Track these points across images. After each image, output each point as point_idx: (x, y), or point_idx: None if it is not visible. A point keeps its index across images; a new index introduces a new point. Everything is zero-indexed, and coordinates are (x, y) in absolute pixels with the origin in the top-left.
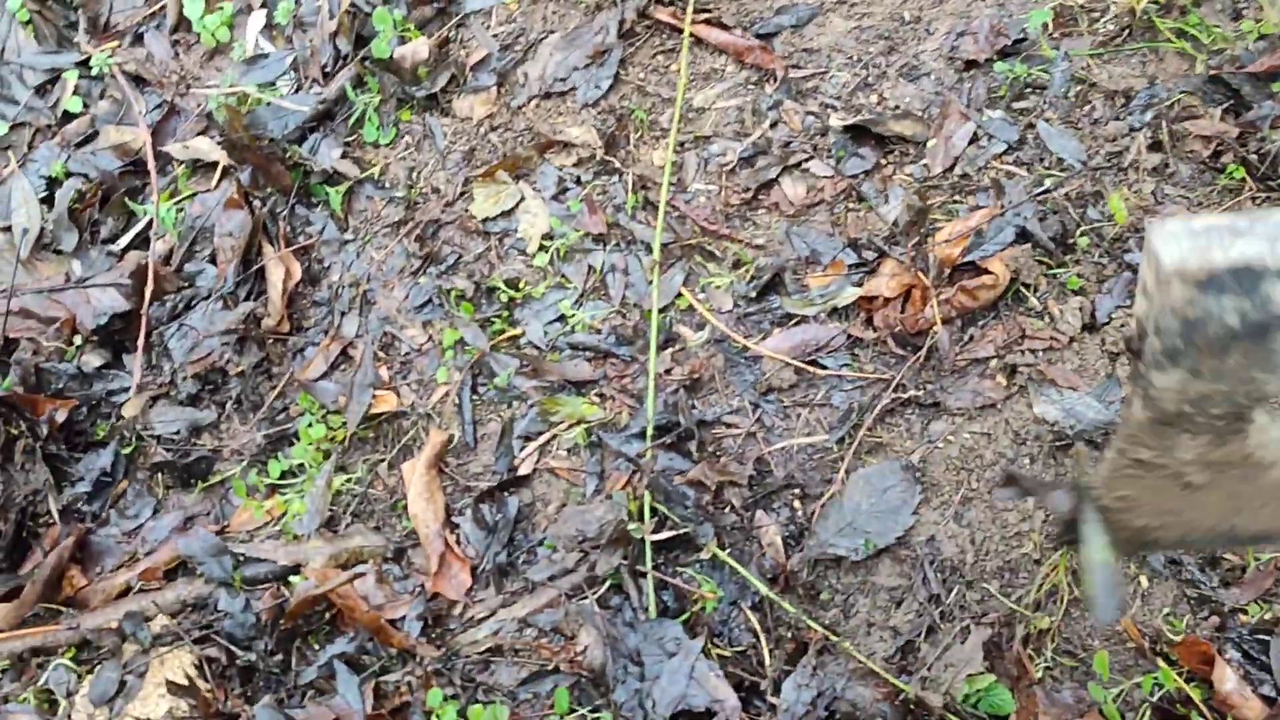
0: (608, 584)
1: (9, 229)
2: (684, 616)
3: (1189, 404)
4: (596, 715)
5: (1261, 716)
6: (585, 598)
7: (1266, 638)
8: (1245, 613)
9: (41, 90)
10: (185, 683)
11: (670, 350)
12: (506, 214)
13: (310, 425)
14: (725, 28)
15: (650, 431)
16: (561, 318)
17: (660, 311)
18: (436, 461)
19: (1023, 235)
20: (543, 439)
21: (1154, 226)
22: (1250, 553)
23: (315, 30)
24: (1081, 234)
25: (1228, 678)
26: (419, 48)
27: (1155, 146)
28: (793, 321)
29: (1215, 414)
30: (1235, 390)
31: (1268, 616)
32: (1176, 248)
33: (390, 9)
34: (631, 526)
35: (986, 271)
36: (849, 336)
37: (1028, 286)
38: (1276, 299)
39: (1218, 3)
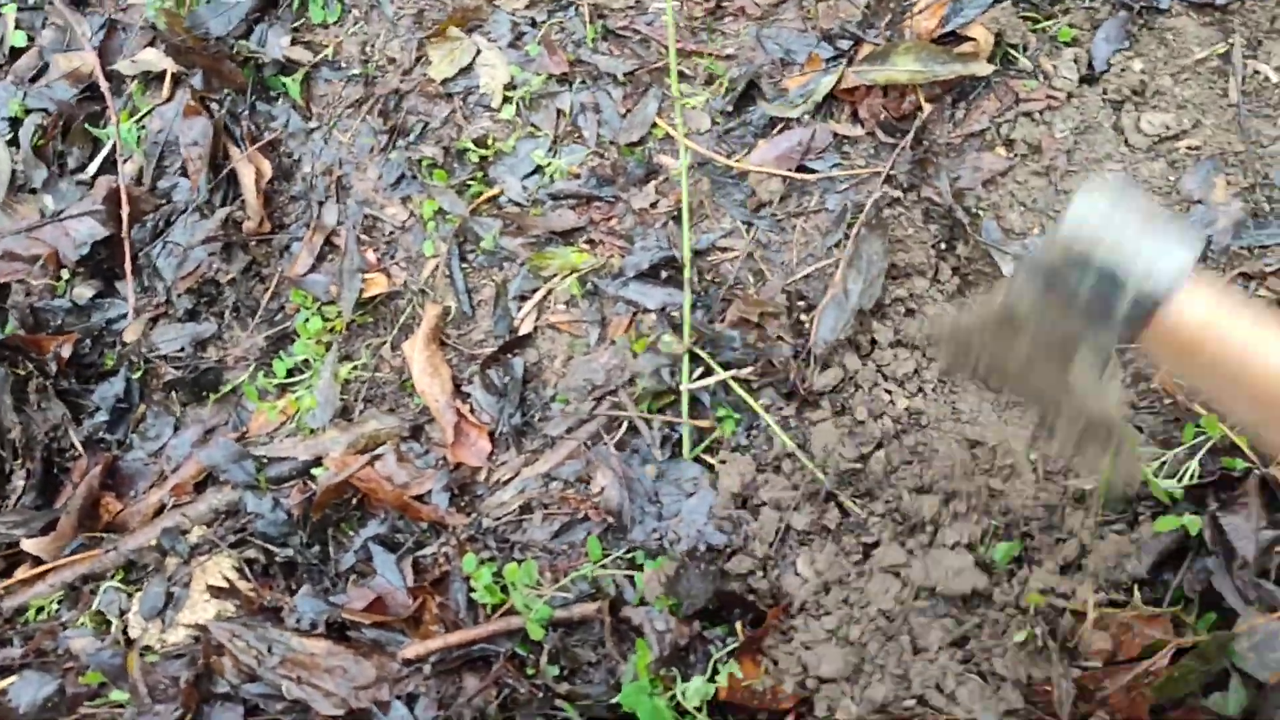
0: (625, 427)
1: None
2: (701, 448)
3: (1033, 315)
4: (630, 556)
5: None
6: (604, 444)
7: None
8: None
9: None
10: (227, 585)
11: (653, 182)
12: (465, 71)
13: (307, 320)
14: None
15: (687, 307)
16: (538, 169)
17: (636, 144)
18: (436, 335)
19: None
20: (538, 296)
21: (1087, 183)
22: None
23: None
24: None
25: None
26: None
27: None
28: (776, 130)
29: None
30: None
31: None
32: (1082, 213)
33: None
34: (676, 382)
35: (967, 39)
36: (835, 135)
37: (1015, 47)
38: (1118, 308)
39: None
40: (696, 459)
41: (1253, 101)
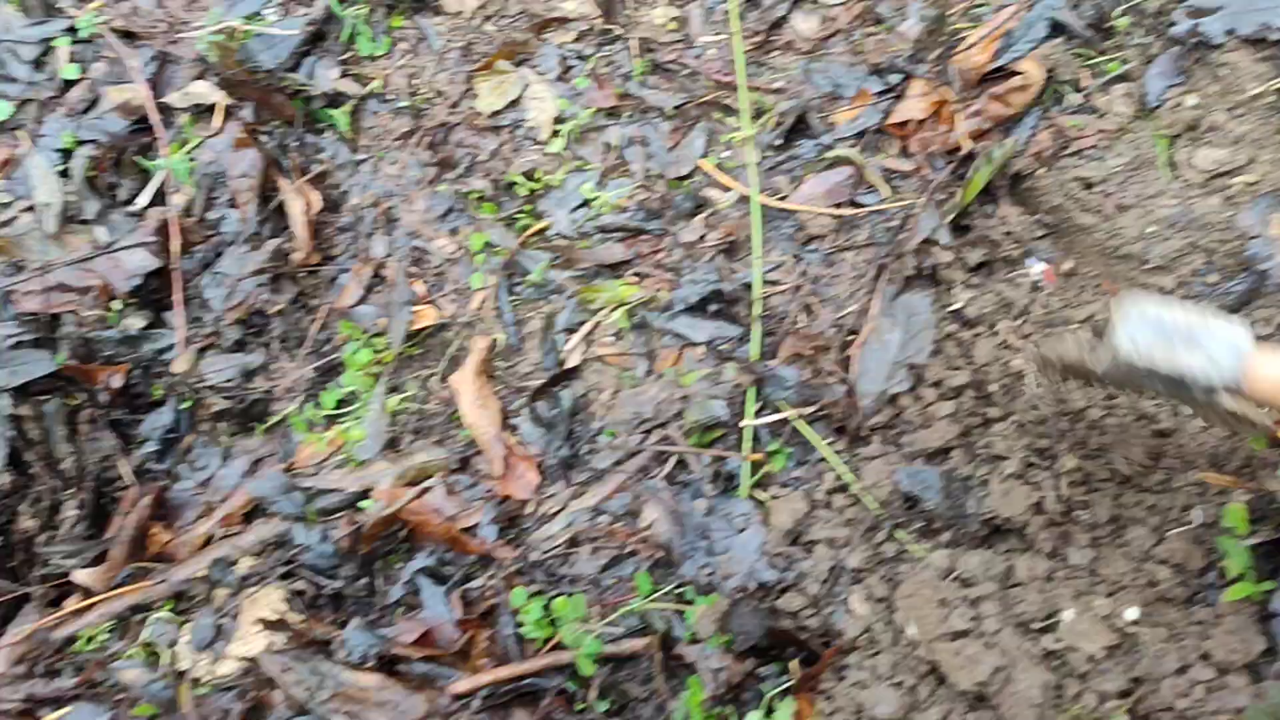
0: (674, 462)
1: (33, 208)
2: (752, 482)
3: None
4: (680, 592)
5: None
6: (653, 478)
7: None
8: None
9: (38, 64)
10: (277, 618)
11: (701, 216)
12: (513, 104)
13: (355, 352)
14: None
15: (757, 340)
16: (585, 202)
17: (685, 178)
18: (484, 368)
19: (1056, 28)
20: (586, 328)
21: (1119, 310)
22: None
23: None
24: (1120, 14)
25: None
26: None
27: None
28: (825, 164)
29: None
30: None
31: None
32: (1128, 341)
33: None
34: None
35: (1016, 73)
36: (885, 169)
37: (1066, 83)
38: (1196, 395)
39: None
40: (747, 495)
41: None
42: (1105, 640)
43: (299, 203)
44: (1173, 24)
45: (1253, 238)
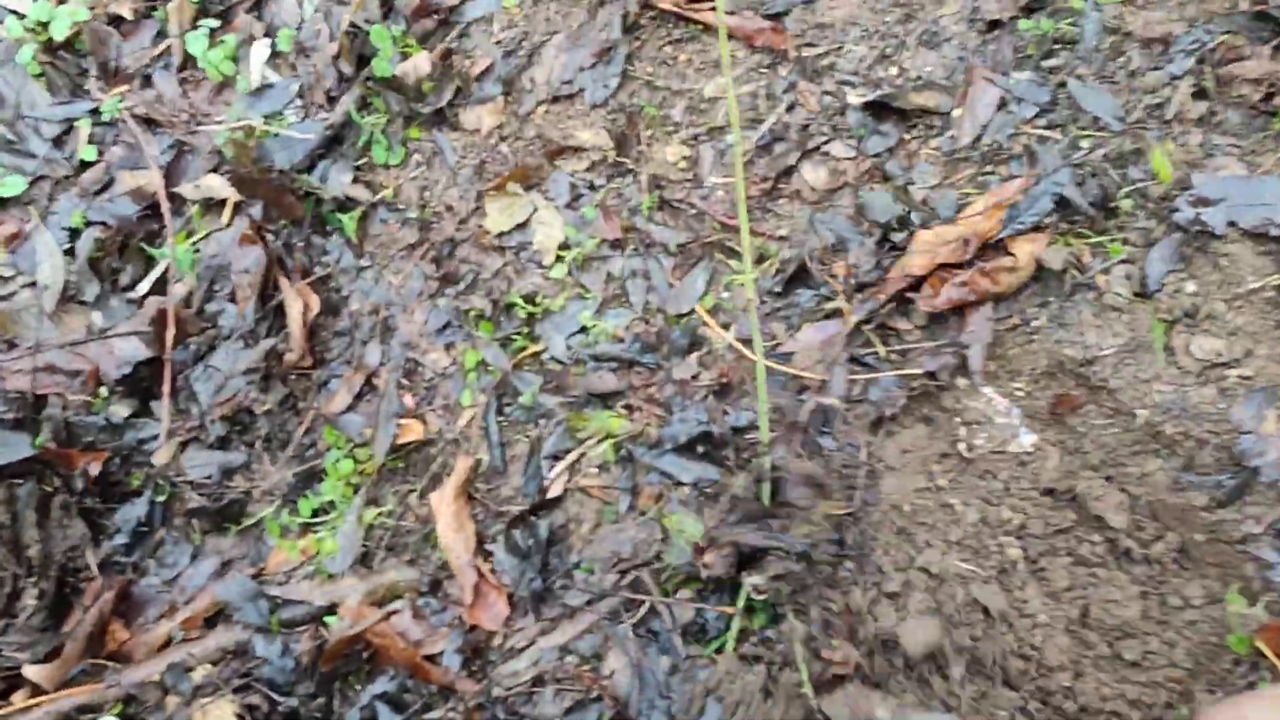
0: (646, 608)
1: (34, 284)
2: (719, 643)
3: None
4: None
5: None
6: (622, 623)
7: None
8: None
9: (58, 141)
10: None
11: (696, 354)
12: (521, 226)
13: (338, 461)
14: (733, 10)
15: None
16: (583, 329)
17: (683, 315)
18: (464, 489)
19: (1061, 203)
20: (571, 457)
21: None
22: None
23: (318, 55)
24: (1124, 196)
25: None
26: (420, 63)
27: (1200, 94)
28: (822, 314)
29: None
30: None
31: None
32: None
33: (389, 25)
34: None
35: (1009, 253)
36: (882, 326)
37: (1066, 261)
38: None
39: None
40: (715, 651)
41: None
42: None
43: (298, 304)
44: (1176, 210)
45: (1245, 432)
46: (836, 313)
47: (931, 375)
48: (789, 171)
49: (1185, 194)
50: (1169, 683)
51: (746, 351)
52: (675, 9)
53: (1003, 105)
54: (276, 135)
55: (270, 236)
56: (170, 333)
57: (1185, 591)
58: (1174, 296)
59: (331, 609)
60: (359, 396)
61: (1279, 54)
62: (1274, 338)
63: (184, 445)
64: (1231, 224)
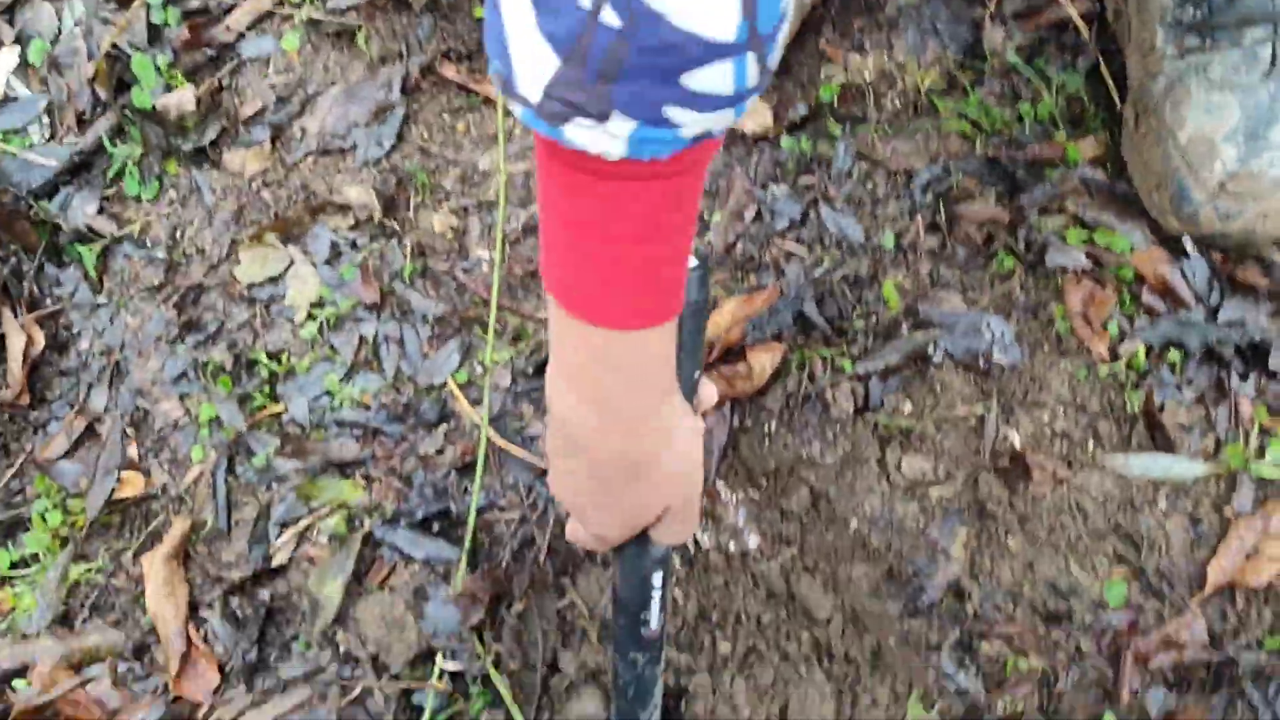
0: (359, 688)
1: None
2: None
3: None
4: None
5: None
6: (328, 701)
7: None
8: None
9: None
10: None
11: (444, 428)
12: (274, 279)
13: (46, 511)
14: None
15: (459, 581)
16: (328, 393)
17: (434, 388)
18: (179, 552)
19: (800, 318)
20: (301, 524)
21: None
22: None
23: (72, 74)
24: (858, 317)
25: None
26: (184, 98)
27: (933, 228)
28: None
29: None
30: None
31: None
32: None
33: (153, 55)
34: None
35: (746, 361)
36: None
37: (802, 369)
38: None
39: (997, 85)
40: None
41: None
42: None
43: (20, 339)
44: (898, 336)
45: (938, 549)
46: None
47: None
48: None
49: (911, 319)
50: None
51: (492, 433)
52: (458, 79)
53: (758, 216)
54: (14, 156)
55: None
56: None
57: (875, 693)
58: (891, 416)
59: (21, 671)
60: (78, 443)
61: (1004, 199)
62: (973, 462)
63: None
64: (947, 353)
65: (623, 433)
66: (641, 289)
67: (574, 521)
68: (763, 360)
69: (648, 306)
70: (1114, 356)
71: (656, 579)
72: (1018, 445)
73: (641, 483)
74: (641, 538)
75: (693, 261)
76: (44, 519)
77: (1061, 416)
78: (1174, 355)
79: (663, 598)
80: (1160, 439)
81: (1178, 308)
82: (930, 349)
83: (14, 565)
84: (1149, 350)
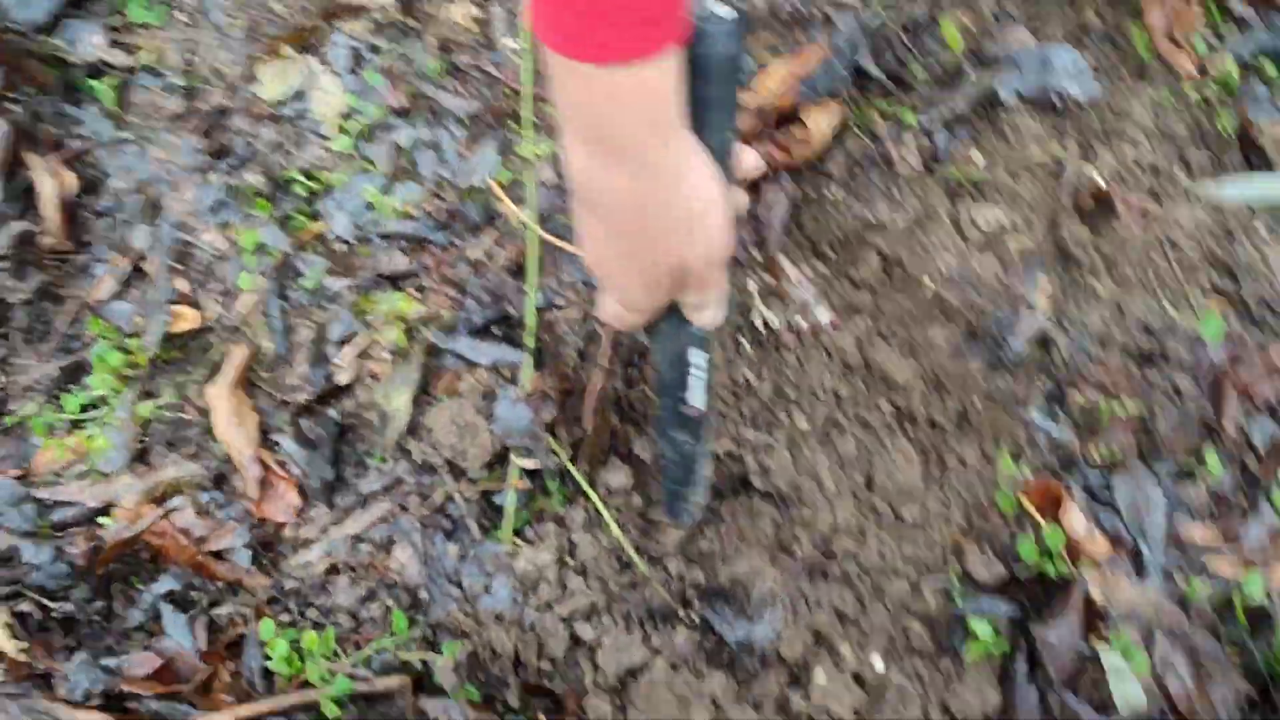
0: (440, 492)
1: None
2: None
3: None
4: (433, 635)
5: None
6: (410, 512)
7: None
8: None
9: None
10: None
11: (491, 231)
12: (298, 95)
13: (106, 353)
14: None
15: (527, 376)
16: (369, 205)
17: (476, 190)
18: (243, 379)
19: (856, 72)
20: (360, 342)
21: None
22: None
23: None
24: (918, 65)
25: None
26: None
27: None
28: None
29: None
30: None
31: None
32: None
33: None
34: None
35: (803, 124)
36: None
37: (860, 131)
38: None
39: None
40: (513, 533)
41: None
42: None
43: (51, 182)
44: (964, 78)
45: (1021, 302)
46: None
47: None
48: None
49: (974, 62)
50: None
51: (541, 231)
52: None
53: None
54: None
55: (14, 106)
56: None
57: (964, 453)
58: (961, 167)
59: (106, 509)
60: (126, 283)
61: None
62: (1053, 207)
63: None
64: (1018, 93)
65: (629, 173)
66: (625, 19)
67: (602, 294)
68: (820, 121)
69: (633, 36)
70: (1202, 73)
71: (694, 358)
72: (1100, 184)
73: (652, 228)
74: (674, 316)
75: (725, 11)
76: (104, 360)
77: (1147, 147)
78: (1270, 69)
79: (704, 379)
80: (1256, 160)
81: (1272, 16)
82: (999, 90)
83: (84, 408)
84: (1241, 65)
